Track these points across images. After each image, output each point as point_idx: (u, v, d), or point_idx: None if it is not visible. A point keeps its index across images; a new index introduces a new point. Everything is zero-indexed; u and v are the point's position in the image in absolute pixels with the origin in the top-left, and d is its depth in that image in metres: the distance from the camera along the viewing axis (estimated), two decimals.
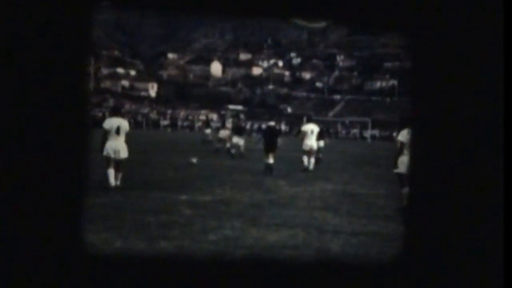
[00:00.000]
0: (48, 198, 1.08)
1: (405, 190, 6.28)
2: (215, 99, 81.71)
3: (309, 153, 12.37)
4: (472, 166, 1.18)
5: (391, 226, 5.70)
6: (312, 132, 12.51)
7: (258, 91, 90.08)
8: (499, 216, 1.17)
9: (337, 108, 78.37)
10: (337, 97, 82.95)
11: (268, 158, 11.48)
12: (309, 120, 13.33)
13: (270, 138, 11.77)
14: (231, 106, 77.76)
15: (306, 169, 12.15)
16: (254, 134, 29.94)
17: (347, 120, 56.51)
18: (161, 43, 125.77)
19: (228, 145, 17.75)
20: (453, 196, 1.20)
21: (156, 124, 52.09)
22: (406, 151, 6.45)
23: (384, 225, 5.83)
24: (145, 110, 62.65)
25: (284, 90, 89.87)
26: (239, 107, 77.82)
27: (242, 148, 16.33)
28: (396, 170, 6.65)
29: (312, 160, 12.50)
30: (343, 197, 8.25)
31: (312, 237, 5.12)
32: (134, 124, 48.55)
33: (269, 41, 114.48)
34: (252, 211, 6.46)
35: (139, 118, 52.96)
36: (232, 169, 12.01)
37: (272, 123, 13.32)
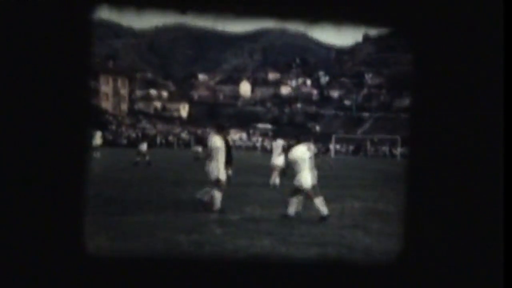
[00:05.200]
0: (49, 207, 1.10)
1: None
2: (244, 118, 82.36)
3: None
4: (472, 168, 1.20)
5: None
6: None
7: (287, 109, 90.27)
8: (500, 216, 1.19)
9: (366, 125, 77.45)
10: (366, 114, 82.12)
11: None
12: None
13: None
14: (260, 125, 78.09)
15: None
16: (195, 148, 26.05)
17: (376, 137, 55.74)
18: (192, 64, 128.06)
19: (147, 158, 18.93)
20: (453, 200, 1.22)
21: (187, 143, 52.82)
22: None
23: None
24: (177, 130, 63.67)
25: (312, 109, 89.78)
26: (268, 126, 78.09)
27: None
28: None
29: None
30: (373, 215, 8.17)
31: (342, 256, 5.11)
32: (166, 144, 49.45)
33: (297, 60, 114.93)
34: (282, 229, 6.50)
35: (171, 138, 53.89)
36: (261, 187, 12.08)
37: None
